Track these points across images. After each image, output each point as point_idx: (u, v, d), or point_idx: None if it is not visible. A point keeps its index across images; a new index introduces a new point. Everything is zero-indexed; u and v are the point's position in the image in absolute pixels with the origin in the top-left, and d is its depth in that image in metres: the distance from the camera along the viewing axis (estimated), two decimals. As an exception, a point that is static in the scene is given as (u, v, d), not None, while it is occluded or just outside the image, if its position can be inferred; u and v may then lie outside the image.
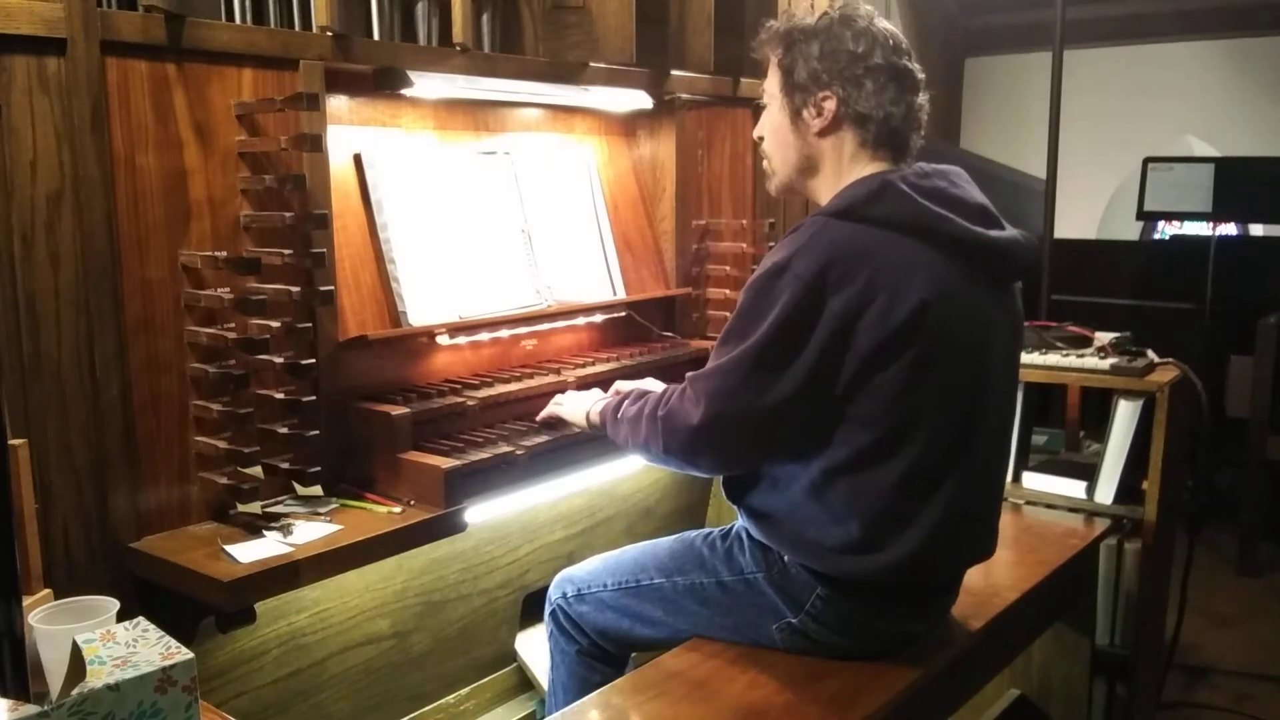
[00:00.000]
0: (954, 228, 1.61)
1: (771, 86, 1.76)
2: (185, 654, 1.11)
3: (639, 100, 2.56)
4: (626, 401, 1.82)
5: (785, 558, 1.72)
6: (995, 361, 1.69)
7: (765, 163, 1.82)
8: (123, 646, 1.12)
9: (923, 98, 1.71)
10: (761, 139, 1.81)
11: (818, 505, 1.64)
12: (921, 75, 1.71)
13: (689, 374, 1.70)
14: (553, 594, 1.97)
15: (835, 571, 1.66)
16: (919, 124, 1.72)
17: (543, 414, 2.09)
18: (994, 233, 1.66)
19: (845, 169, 1.70)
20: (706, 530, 1.90)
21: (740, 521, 1.82)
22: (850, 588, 1.67)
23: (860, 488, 1.61)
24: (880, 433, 1.59)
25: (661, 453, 1.70)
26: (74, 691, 1.03)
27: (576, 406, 2.01)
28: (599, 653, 1.91)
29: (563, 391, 2.18)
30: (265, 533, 1.73)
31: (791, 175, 1.77)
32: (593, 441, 2.05)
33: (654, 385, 2.10)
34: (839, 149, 1.71)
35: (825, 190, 1.72)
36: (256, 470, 1.77)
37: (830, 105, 1.68)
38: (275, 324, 1.78)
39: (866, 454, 1.60)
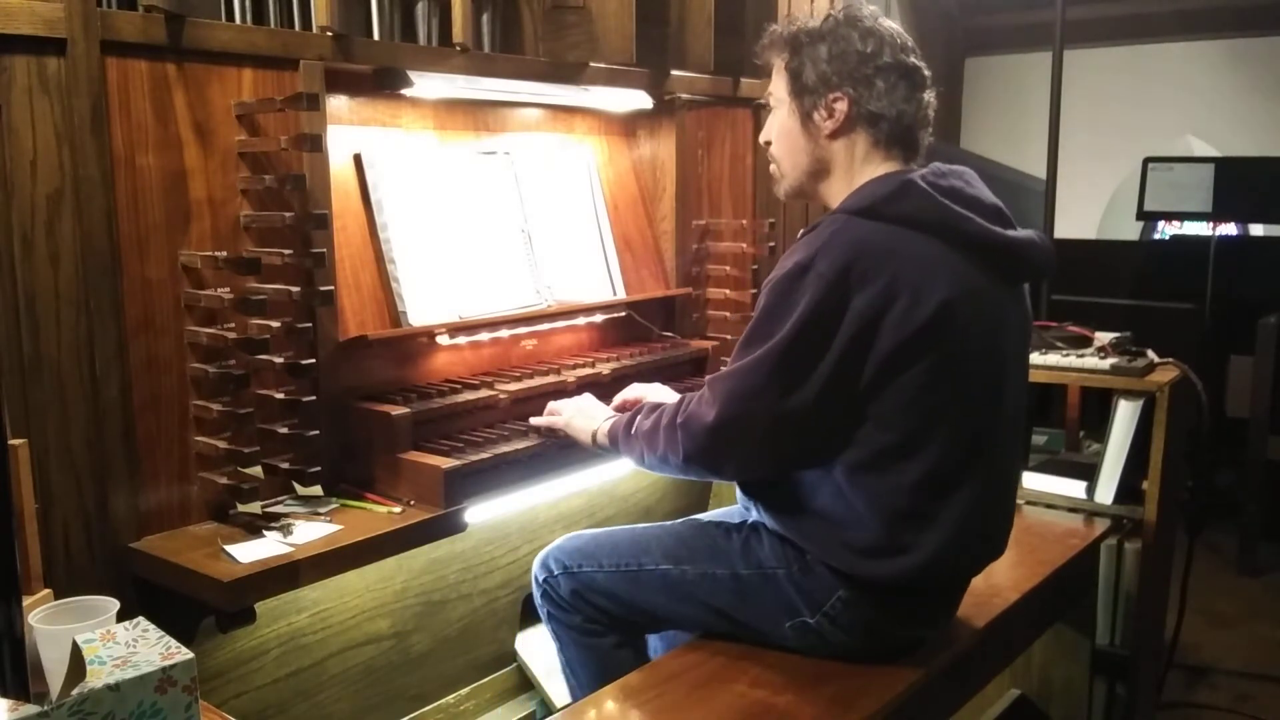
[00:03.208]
0: (974, 227, 1.60)
1: (779, 91, 1.74)
2: (185, 654, 1.11)
3: (639, 100, 2.56)
4: (640, 416, 1.78)
5: (808, 555, 1.70)
6: (1011, 361, 1.69)
7: (773, 167, 1.80)
8: (123, 646, 1.12)
9: (930, 95, 1.70)
10: (768, 144, 1.79)
11: (841, 506, 1.63)
12: (929, 72, 1.70)
13: (709, 376, 1.69)
14: (537, 573, 1.91)
15: (860, 574, 1.65)
16: (928, 121, 1.71)
17: (541, 422, 2.02)
18: (1011, 233, 1.66)
19: (858, 170, 1.69)
20: (718, 518, 1.87)
21: (754, 515, 1.80)
22: (872, 591, 1.66)
23: (883, 488, 1.61)
24: (901, 433, 1.58)
25: (681, 461, 1.67)
26: (74, 691, 1.03)
27: (580, 425, 1.94)
28: (606, 619, 1.85)
29: (564, 392, 2.17)
30: (265, 533, 1.73)
31: (802, 179, 1.75)
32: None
33: (660, 394, 2.10)
34: (851, 150, 1.69)
35: (837, 193, 1.71)
36: (256, 470, 1.77)
37: (842, 106, 1.66)
38: (275, 324, 1.78)
39: (888, 454, 1.59)
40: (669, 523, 1.91)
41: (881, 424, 1.58)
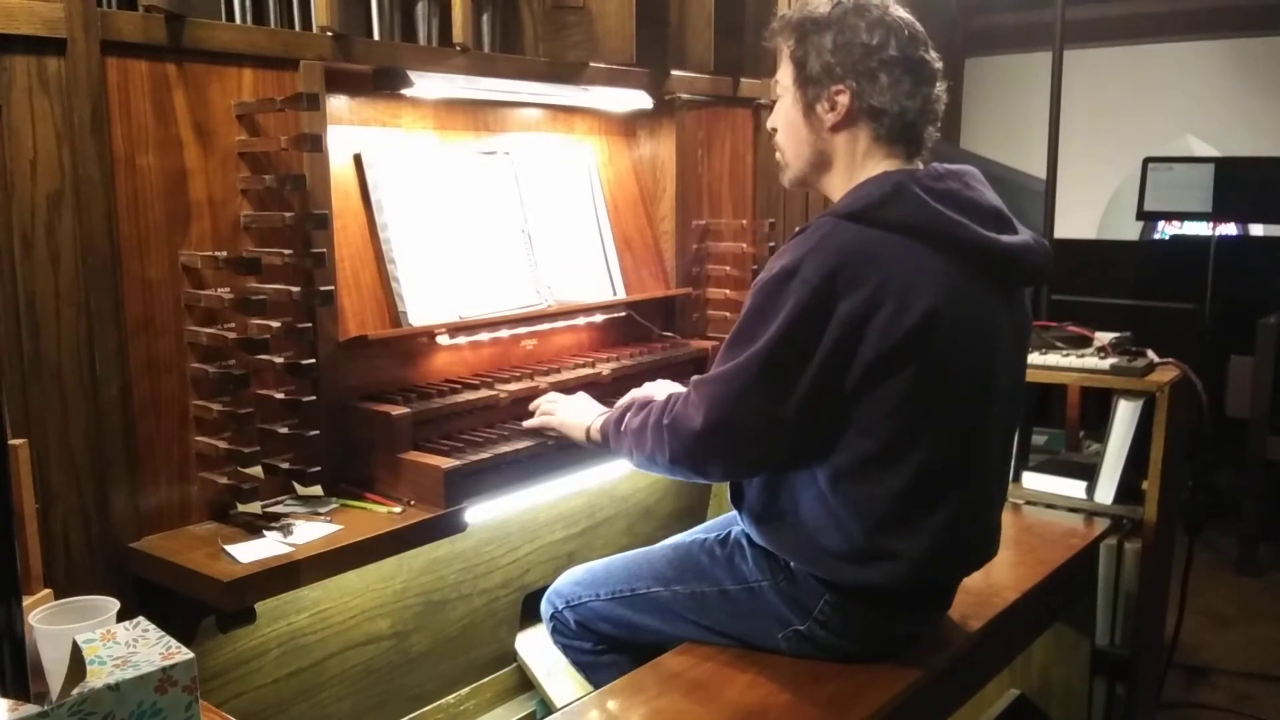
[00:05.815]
0: (967, 233, 1.58)
1: (784, 78, 1.71)
2: (185, 654, 1.11)
3: (639, 100, 2.56)
4: (629, 413, 1.78)
5: (791, 564, 1.71)
6: (1001, 368, 1.67)
7: (778, 155, 1.77)
8: (123, 646, 1.12)
9: (940, 88, 1.67)
10: (775, 131, 1.76)
11: (823, 512, 1.63)
12: (939, 65, 1.66)
13: (694, 378, 1.68)
14: (544, 610, 1.97)
15: (841, 578, 1.65)
16: (935, 116, 1.68)
17: (534, 423, 2.02)
18: (1006, 238, 1.63)
19: (859, 165, 1.67)
20: (702, 536, 1.88)
21: (739, 527, 1.81)
22: (857, 593, 1.66)
23: (866, 494, 1.60)
24: (885, 439, 1.57)
25: (668, 462, 1.67)
26: (74, 691, 1.03)
27: (574, 421, 1.94)
28: (611, 642, 1.90)
29: (565, 390, 2.17)
30: (265, 533, 1.73)
31: (805, 170, 1.73)
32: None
33: (660, 389, 2.10)
34: (853, 144, 1.67)
35: (838, 186, 1.69)
36: (256, 470, 1.77)
37: (844, 100, 1.63)
38: (275, 324, 1.78)
39: (871, 460, 1.58)
40: (660, 544, 1.93)
41: (864, 430, 1.57)
